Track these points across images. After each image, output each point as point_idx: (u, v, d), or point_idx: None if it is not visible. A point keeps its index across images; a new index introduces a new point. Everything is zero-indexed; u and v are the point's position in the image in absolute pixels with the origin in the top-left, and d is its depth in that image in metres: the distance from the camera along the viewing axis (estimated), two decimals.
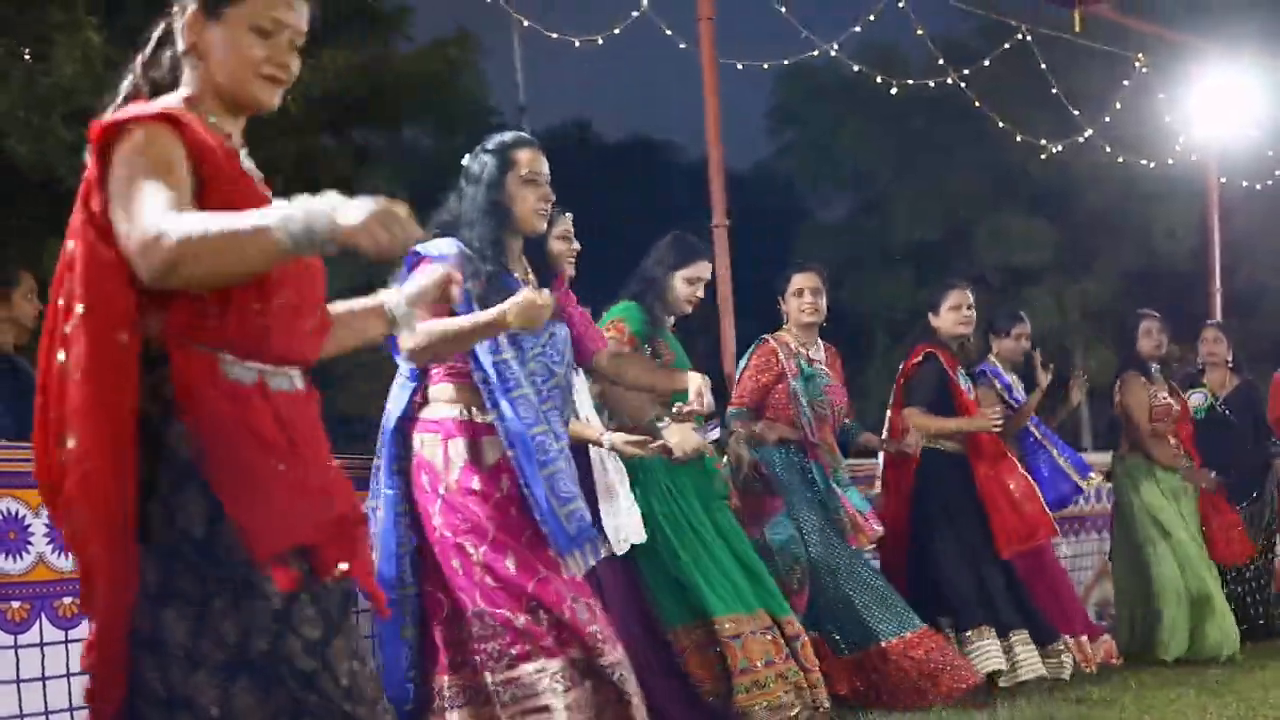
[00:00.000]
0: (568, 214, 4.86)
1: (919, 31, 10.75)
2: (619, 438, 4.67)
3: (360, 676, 2.50)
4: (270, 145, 11.16)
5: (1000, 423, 6.45)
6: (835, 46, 10.08)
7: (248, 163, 2.62)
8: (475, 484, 4.00)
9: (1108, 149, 12.00)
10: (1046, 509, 6.60)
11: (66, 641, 4.20)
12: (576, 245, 4.92)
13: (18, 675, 4.09)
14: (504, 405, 3.95)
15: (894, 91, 11.37)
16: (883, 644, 5.82)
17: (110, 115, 2.48)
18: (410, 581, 4.18)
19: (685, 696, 4.98)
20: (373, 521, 4.14)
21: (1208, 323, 8.93)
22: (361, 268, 4.12)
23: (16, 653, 4.11)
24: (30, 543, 4.17)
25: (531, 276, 4.22)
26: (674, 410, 4.70)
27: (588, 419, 4.78)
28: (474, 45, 13.64)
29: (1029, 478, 6.65)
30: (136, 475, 2.42)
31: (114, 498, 2.40)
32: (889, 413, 6.79)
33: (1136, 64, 11.74)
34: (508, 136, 4.23)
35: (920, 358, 6.60)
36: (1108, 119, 11.93)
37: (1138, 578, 7.54)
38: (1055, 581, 6.95)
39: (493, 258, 4.07)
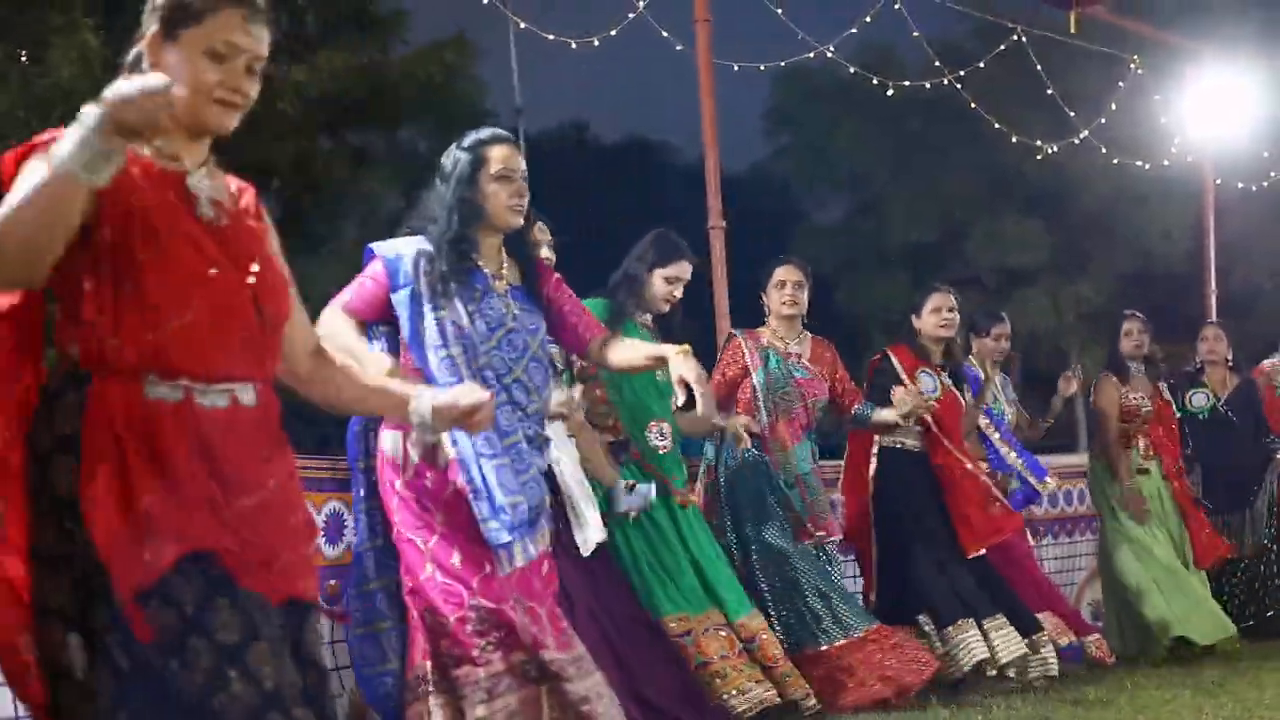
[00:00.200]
0: (540, 223, 4.83)
1: (915, 33, 10.79)
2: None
3: (287, 680, 2.48)
4: (267, 147, 11.18)
5: (929, 405, 6.37)
6: (831, 48, 10.11)
7: (198, 185, 2.60)
8: (429, 480, 4.01)
9: (1103, 150, 12.03)
10: (1008, 505, 6.63)
11: None
12: (549, 253, 4.92)
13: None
14: None
15: (890, 93, 11.40)
16: (822, 648, 5.78)
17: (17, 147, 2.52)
18: (373, 577, 4.32)
19: (678, 685, 4.98)
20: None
21: (1207, 321, 8.95)
22: (348, 269, 4.12)
23: None
24: None
25: (506, 271, 4.17)
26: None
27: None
28: (471, 48, 13.67)
29: (990, 475, 6.68)
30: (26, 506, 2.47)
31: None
32: None
33: (1132, 65, 11.77)
34: (483, 133, 4.20)
35: (878, 359, 6.68)
36: (1103, 120, 11.96)
37: (1112, 577, 7.63)
38: (1030, 573, 6.94)
39: (453, 255, 4.05)
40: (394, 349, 4.18)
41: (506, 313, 4.08)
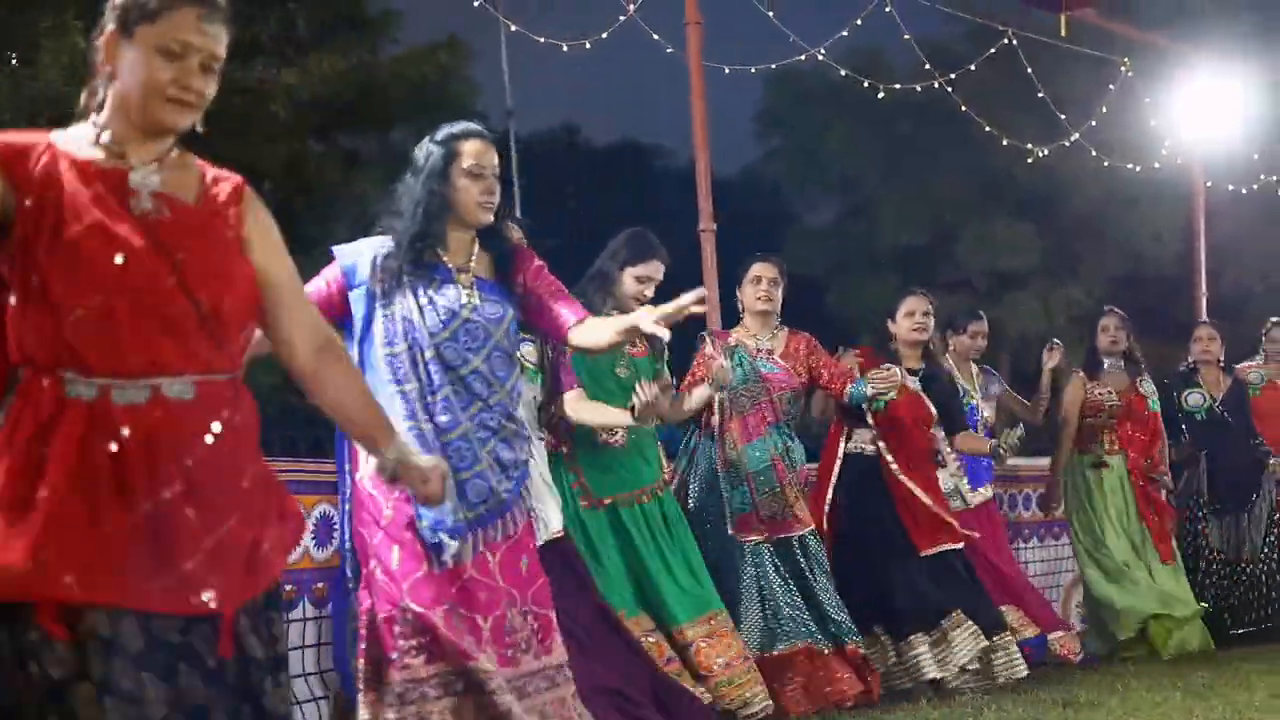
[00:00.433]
0: (510, 221, 4.72)
1: (905, 36, 10.81)
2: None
3: (149, 698, 2.43)
4: (258, 150, 11.18)
5: (898, 384, 6.34)
6: (822, 51, 10.12)
7: (143, 181, 2.59)
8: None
9: (1094, 153, 12.05)
10: (955, 526, 6.59)
11: None
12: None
13: None
14: (392, 401, 3.87)
15: (881, 96, 11.40)
16: (761, 654, 5.76)
17: None
18: (349, 575, 4.33)
19: (649, 679, 4.97)
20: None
21: (1200, 321, 8.98)
22: (316, 265, 4.09)
23: None
24: None
25: (474, 264, 4.10)
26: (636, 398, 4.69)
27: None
28: (462, 50, 13.66)
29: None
30: None
31: None
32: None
33: (1122, 68, 11.79)
34: (456, 127, 4.14)
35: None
36: (1093, 123, 11.99)
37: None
38: (995, 567, 6.95)
39: (414, 251, 4.00)
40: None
41: (466, 303, 4.00)
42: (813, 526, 6.13)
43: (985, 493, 7.21)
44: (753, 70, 10.40)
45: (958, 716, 5.63)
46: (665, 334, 3.81)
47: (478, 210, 4.06)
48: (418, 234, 4.02)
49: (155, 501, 2.49)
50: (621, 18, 8.85)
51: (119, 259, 2.49)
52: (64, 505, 2.42)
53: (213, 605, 2.51)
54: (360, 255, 4.05)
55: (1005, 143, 11.87)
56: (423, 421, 3.92)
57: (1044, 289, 23.19)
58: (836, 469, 6.57)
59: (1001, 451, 6.55)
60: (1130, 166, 12.66)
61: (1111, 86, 11.91)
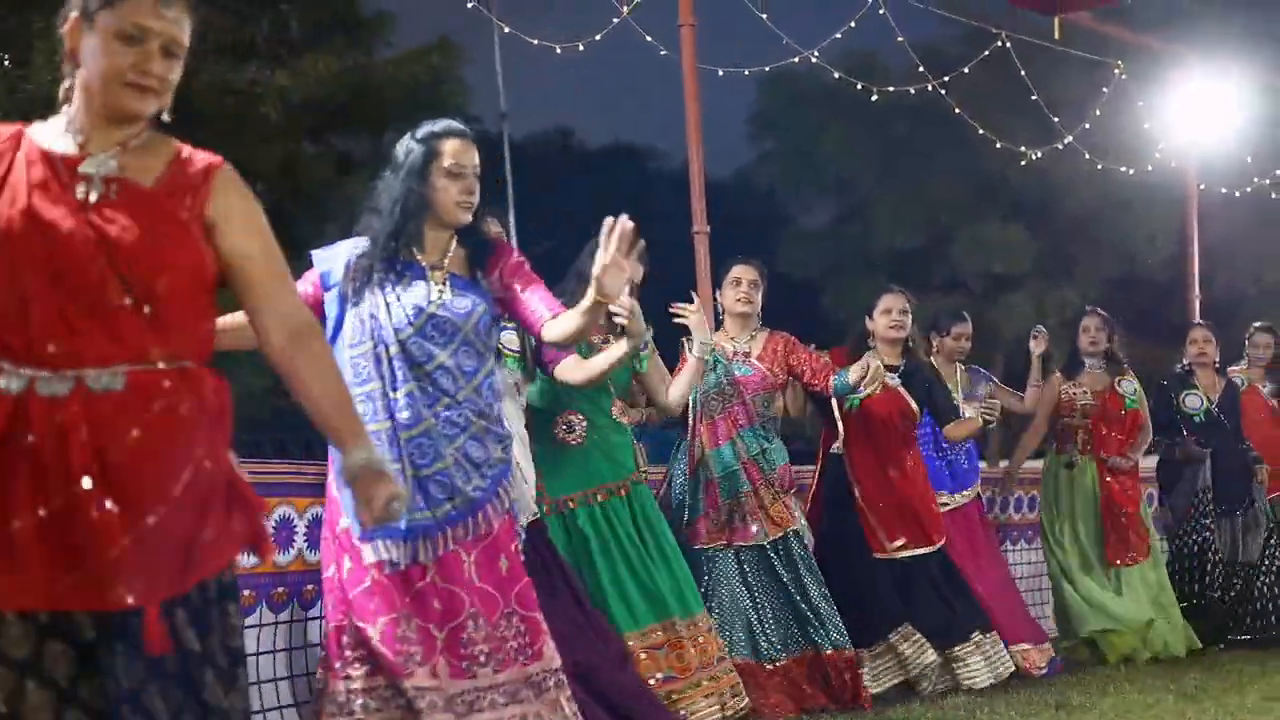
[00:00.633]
0: (492, 220, 4.68)
1: (899, 39, 10.81)
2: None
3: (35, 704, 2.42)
4: (251, 151, 11.14)
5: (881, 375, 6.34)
6: (816, 53, 10.14)
7: (99, 167, 2.56)
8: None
9: (1087, 156, 12.07)
10: (938, 510, 6.64)
11: None
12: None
13: None
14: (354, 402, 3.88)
15: (875, 98, 11.41)
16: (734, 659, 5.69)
17: None
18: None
19: (632, 683, 4.94)
20: None
21: (1195, 323, 8.97)
22: (307, 267, 4.08)
23: None
24: None
25: (449, 261, 4.06)
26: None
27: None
28: (456, 52, 13.65)
29: (925, 480, 6.68)
30: None
31: None
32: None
33: (1116, 71, 11.81)
34: (437, 125, 4.09)
35: None
36: (1087, 126, 12.01)
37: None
38: (971, 578, 6.89)
39: (388, 249, 3.98)
40: None
41: (435, 299, 3.97)
42: (795, 528, 6.03)
43: (969, 495, 7.19)
44: (746, 72, 10.44)
45: (950, 719, 5.63)
46: (626, 302, 3.83)
47: (456, 210, 4.04)
48: (393, 231, 4.00)
49: (67, 496, 2.43)
50: (615, 20, 8.86)
51: (42, 242, 2.46)
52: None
53: (130, 600, 2.44)
54: (336, 259, 4.04)
55: (999, 145, 11.88)
56: (383, 420, 3.89)
57: (1038, 291, 23.18)
58: (817, 470, 6.60)
59: (986, 419, 6.67)
60: (1124, 169, 12.68)
61: (1105, 89, 11.93)
